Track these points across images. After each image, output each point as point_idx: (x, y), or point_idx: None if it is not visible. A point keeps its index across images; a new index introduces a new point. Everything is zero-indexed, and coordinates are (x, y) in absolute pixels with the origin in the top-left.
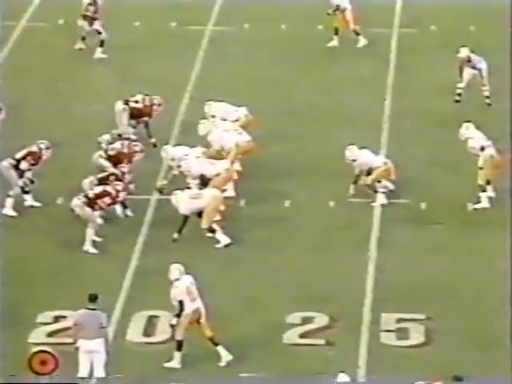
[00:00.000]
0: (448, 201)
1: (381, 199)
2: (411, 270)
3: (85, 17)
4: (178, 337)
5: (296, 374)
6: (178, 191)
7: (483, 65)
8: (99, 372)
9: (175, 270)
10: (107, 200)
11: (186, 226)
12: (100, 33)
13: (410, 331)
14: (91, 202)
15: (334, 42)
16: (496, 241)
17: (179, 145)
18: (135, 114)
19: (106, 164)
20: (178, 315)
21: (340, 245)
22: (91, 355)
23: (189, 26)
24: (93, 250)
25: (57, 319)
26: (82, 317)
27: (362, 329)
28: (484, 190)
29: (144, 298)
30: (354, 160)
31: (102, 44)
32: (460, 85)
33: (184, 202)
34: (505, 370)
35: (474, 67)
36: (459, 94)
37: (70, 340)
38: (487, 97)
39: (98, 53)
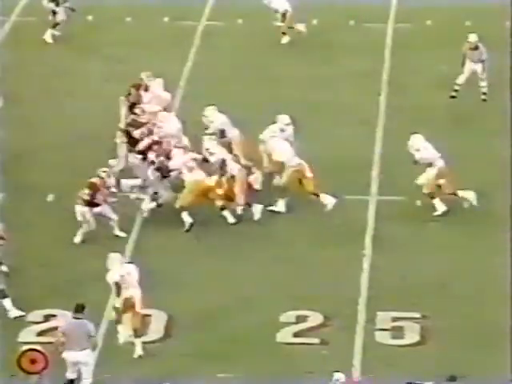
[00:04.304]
0: (443, 198)
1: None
2: (406, 268)
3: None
4: (122, 340)
5: (290, 373)
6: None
7: (486, 56)
8: (87, 383)
9: (113, 259)
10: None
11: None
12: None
13: (405, 330)
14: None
15: (285, 40)
16: (491, 238)
17: None
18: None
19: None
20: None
21: (335, 243)
22: (79, 365)
23: (181, 21)
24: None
25: (47, 318)
26: (69, 327)
27: (356, 327)
28: (433, 197)
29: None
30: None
31: (54, 26)
32: (459, 80)
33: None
34: (500, 368)
35: (478, 58)
36: (456, 90)
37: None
38: (484, 93)
39: (49, 34)
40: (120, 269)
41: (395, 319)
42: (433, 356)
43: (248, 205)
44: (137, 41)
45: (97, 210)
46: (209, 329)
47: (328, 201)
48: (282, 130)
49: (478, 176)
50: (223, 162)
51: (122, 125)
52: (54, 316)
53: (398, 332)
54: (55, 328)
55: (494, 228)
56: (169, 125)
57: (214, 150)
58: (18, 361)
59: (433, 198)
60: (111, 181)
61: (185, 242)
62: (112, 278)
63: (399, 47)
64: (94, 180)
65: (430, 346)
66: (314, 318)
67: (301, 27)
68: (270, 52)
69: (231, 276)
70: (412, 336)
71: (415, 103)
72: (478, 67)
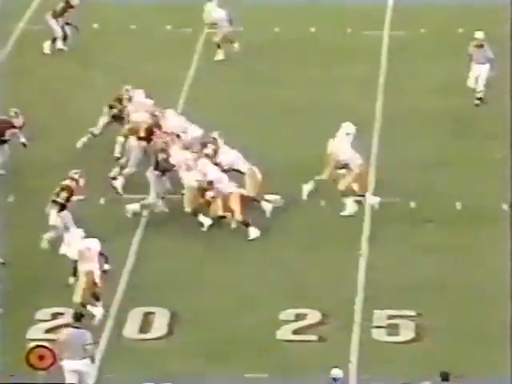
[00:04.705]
0: (437, 200)
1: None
2: (402, 268)
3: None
4: (77, 299)
5: (289, 369)
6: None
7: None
8: None
9: (72, 235)
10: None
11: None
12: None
13: (401, 327)
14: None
15: (220, 56)
16: (485, 238)
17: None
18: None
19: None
20: (74, 274)
21: (332, 243)
22: (77, 375)
23: (183, 28)
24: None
25: (54, 316)
26: (67, 336)
27: (353, 325)
28: (345, 196)
29: (140, 294)
30: None
31: (53, 41)
32: (471, 85)
33: None
34: (494, 366)
35: (485, 58)
36: (479, 98)
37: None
38: (479, 98)
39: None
40: (80, 244)
41: (391, 317)
42: (427, 353)
43: (246, 224)
44: (140, 48)
45: (62, 214)
46: (210, 326)
47: (373, 200)
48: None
49: (475, 178)
50: (210, 184)
51: (96, 131)
52: (61, 314)
53: (393, 329)
54: (63, 325)
55: (489, 229)
56: (172, 122)
57: (207, 170)
58: (26, 357)
59: (344, 196)
60: (82, 181)
61: (187, 243)
62: (72, 254)
63: (395, 54)
64: (69, 183)
65: (425, 343)
66: (313, 316)
67: (235, 44)
68: (271, 58)
69: (232, 276)
70: (407, 333)
71: (411, 107)
72: (484, 69)
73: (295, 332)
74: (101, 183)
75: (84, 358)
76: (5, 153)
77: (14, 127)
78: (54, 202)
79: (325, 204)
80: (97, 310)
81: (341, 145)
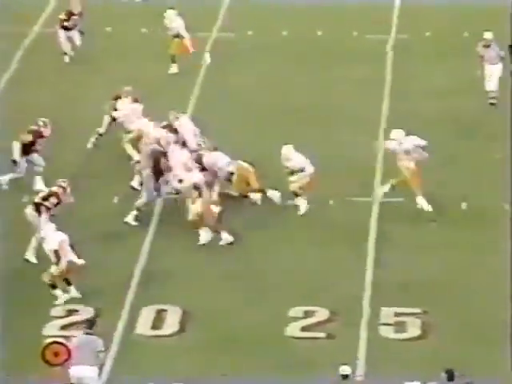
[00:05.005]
0: (442, 199)
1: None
2: (409, 266)
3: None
4: (45, 279)
5: (298, 367)
6: None
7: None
8: None
9: (47, 228)
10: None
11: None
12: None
13: (407, 325)
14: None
15: (174, 69)
16: (491, 237)
17: None
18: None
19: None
20: (57, 264)
21: (340, 241)
22: (84, 381)
23: (193, 32)
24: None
25: (69, 313)
26: (79, 342)
27: (361, 322)
28: (297, 195)
29: (152, 291)
30: None
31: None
32: (488, 87)
33: None
34: (498, 364)
35: (497, 56)
36: (492, 97)
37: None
38: (493, 97)
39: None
40: (56, 236)
41: (398, 314)
42: (433, 349)
43: (217, 232)
44: (150, 52)
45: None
46: (221, 323)
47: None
48: (401, 144)
49: (478, 178)
50: (195, 186)
51: (101, 130)
52: (76, 311)
53: (400, 326)
54: (77, 322)
55: (493, 227)
56: (188, 126)
57: (185, 176)
58: (42, 353)
59: (296, 195)
60: (69, 190)
61: (197, 240)
62: (50, 245)
63: (400, 57)
64: (57, 190)
65: (431, 340)
66: (321, 314)
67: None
68: (279, 61)
69: (242, 273)
70: (414, 330)
71: (415, 109)
72: (497, 69)
73: (304, 329)
74: (113, 182)
75: (92, 365)
76: (37, 161)
77: (43, 137)
78: (41, 205)
79: (333, 203)
80: (60, 294)
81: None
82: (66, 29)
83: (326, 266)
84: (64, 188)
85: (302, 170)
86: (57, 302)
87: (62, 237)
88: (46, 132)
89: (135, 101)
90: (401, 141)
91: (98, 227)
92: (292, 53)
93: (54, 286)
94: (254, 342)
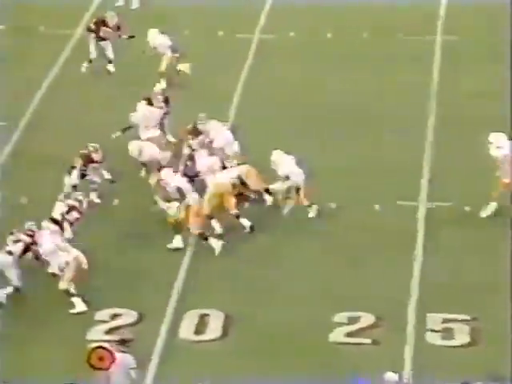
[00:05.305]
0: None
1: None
2: (456, 271)
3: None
4: (63, 286)
5: (343, 373)
6: None
7: None
8: None
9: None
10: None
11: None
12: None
13: (455, 331)
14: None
15: (163, 85)
16: None
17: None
18: None
19: None
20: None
21: (386, 246)
22: None
23: (236, 34)
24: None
25: (114, 317)
26: (115, 362)
27: (407, 328)
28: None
29: (196, 296)
30: None
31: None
32: None
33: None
34: None
35: None
36: None
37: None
38: None
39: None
40: (53, 239)
41: (445, 321)
42: (482, 357)
43: (204, 237)
44: (194, 54)
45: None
46: (264, 328)
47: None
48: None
49: None
50: (179, 190)
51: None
52: (120, 315)
53: (447, 333)
54: (121, 326)
55: None
56: (221, 136)
57: (170, 180)
58: (88, 357)
59: (277, 204)
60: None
61: (240, 244)
62: (46, 250)
63: (446, 59)
64: (74, 203)
65: (480, 347)
66: (366, 319)
67: (184, 67)
68: (321, 64)
69: (284, 278)
70: (462, 337)
71: (463, 113)
72: None
73: (348, 335)
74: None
75: (127, 382)
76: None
77: (93, 162)
78: (63, 221)
79: (379, 207)
80: (80, 304)
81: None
82: (97, 36)
83: (372, 270)
84: (80, 201)
85: (287, 178)
86: (72, 311)
87: (58, 240)
88: (97, 157)
89: (165, 100)
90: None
91: (141, 230)
92: (336, 55)
93: (70, 294)
94: (297, 348)
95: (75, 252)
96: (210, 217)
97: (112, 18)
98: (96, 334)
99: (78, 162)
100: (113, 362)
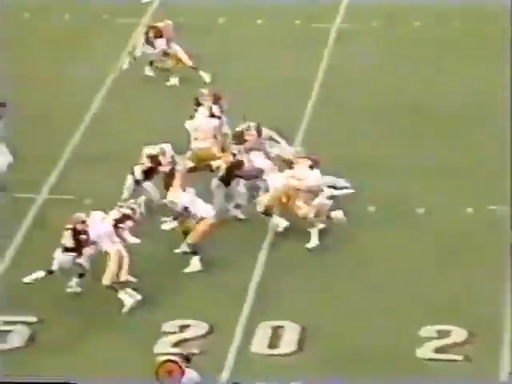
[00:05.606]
0: None
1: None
2: None
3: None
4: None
5: None
6: None
7: None
8: None
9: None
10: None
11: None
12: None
13: None
14: None
15: (174, 81)
16: None
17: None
18: None
19: None
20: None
21: (478, 253)
22: None
23: (314, 23)
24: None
25: (182, 328)
26: (185, 379)
27: (501, 345)
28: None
29: (269, 307)
30: None
31: (151, 63)
32: None
33: None
34: None
35: None
36: None
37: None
38: None
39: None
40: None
41: None
42: None
43: (193, 252)
44: (268, 43)
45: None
46: (343, 342)
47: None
48: None
49: None
50: (186, 209)
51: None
52: (188, 326)
53: None
54: (190, 339)
55: None
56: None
57: (177, 200)
58: (156, 371)
59: (270, 215)
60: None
61: (316, 255)
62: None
63: None
64: (128, 212)
65: None
66: (457, 334)
67: (205, 75)
68: (407, 56)
69: (366, 289)
70: None
71: None
72: None
73: (437, 350)
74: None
75: None
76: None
77: (160, 164)
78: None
79: (472, 211)
80: (128, 299)
81: None
82: (148, 41)
83: (463, 280)
84: (134, 209)
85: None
86: (124, 310)
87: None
88: (164, 161)
89: (216, 100)
90: None
91: (211, 242)
92: (423, 47)
93: (115, 290)
94: (380, 363)
95: (118, 245)
96: (268, 213)
97: (168, 30)
98: (163, 347)
99: (144, 163)
100: (182, 375)
